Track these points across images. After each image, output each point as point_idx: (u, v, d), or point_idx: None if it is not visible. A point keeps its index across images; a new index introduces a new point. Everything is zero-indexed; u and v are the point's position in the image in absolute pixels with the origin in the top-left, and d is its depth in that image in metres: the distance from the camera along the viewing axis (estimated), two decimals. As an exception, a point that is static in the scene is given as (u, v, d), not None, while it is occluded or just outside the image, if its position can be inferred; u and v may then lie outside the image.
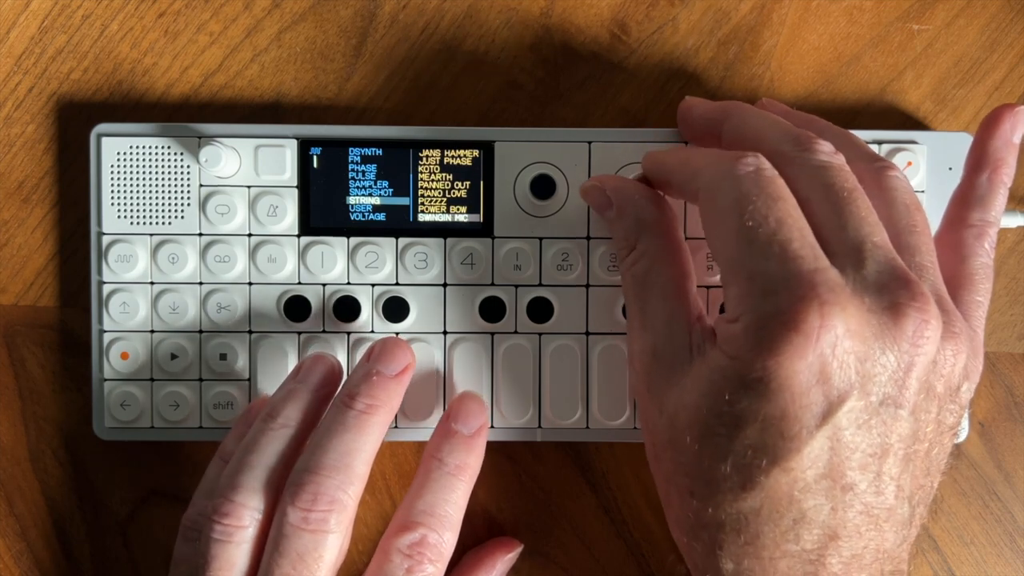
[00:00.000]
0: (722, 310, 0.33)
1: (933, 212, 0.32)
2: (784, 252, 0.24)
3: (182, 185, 0.33)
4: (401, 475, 0.35)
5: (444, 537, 0.29)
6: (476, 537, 0.35)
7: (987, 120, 0.31)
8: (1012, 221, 0.34)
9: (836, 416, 0.24)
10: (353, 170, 0.33)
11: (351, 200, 0.33)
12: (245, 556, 0.28)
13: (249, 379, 0.33)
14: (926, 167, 0.33)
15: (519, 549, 0.35)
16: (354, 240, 0.33)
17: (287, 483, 0.28)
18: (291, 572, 0.27)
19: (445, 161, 0.33)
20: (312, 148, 0.33)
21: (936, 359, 0.25)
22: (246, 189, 0.33)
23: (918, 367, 0.24)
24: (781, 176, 0.26)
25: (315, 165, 0.33)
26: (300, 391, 0.30)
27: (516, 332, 0.33)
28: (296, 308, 0.33)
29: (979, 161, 0.30)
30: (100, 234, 0.33)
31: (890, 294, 0.24)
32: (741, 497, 0.24)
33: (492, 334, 0.33)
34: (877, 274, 0.25)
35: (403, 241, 0.33)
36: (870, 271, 0.25)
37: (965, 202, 0.30)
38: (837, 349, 0.23)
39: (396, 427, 0.33)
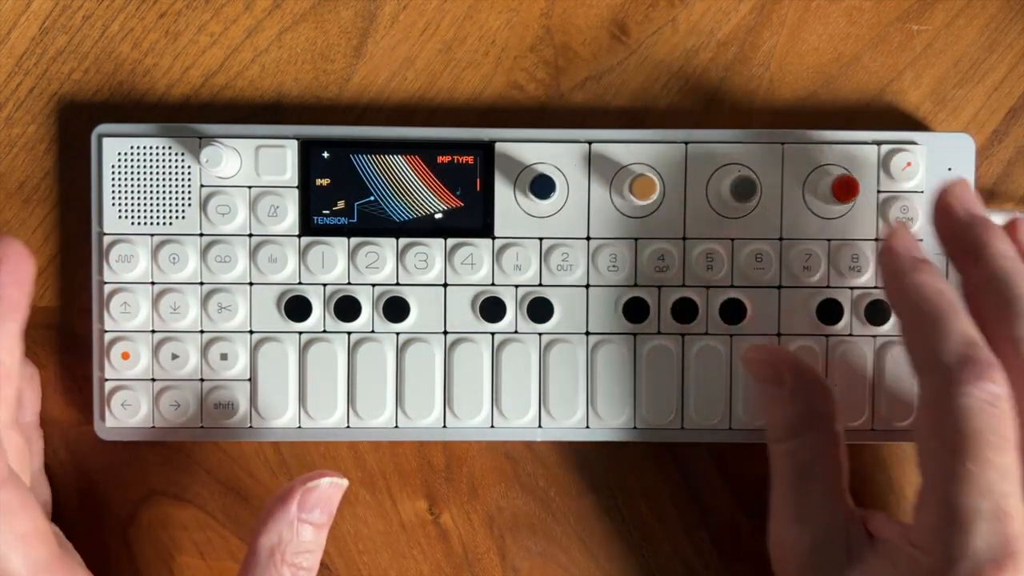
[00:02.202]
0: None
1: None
2: (1000, 508, 0.24)
3: (183, 185, 0.33)
4: (401, 475, 0.35)
5: None
6: (478, 537, 0.35)
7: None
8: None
9: None
10: (353, 170, 0.33)
11: (351, 200, 0.33)
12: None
13: (250, 379, 0.33)
14: (925, 167, 0.33)
15: (333, 479, 0.29)
16: (354, 240, 0.33)
17: None
18: None
19: (445, 161, 0.33)
20: (312, 148, 0.33)
21: None
22: (247, 189, 0.33)
23: None
24: None
25: (316, 165, 0.33)
26: None
27: (517, 332, 0.33)
28: (296, 308, 0.33)
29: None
30: (101, 234, 0.33)
31: None
32: None
33: (493, 334, 0.33)
34: None
35: (403, 241, 0.33)
36: None
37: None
38: None
39: (396, 427, 0.33)
